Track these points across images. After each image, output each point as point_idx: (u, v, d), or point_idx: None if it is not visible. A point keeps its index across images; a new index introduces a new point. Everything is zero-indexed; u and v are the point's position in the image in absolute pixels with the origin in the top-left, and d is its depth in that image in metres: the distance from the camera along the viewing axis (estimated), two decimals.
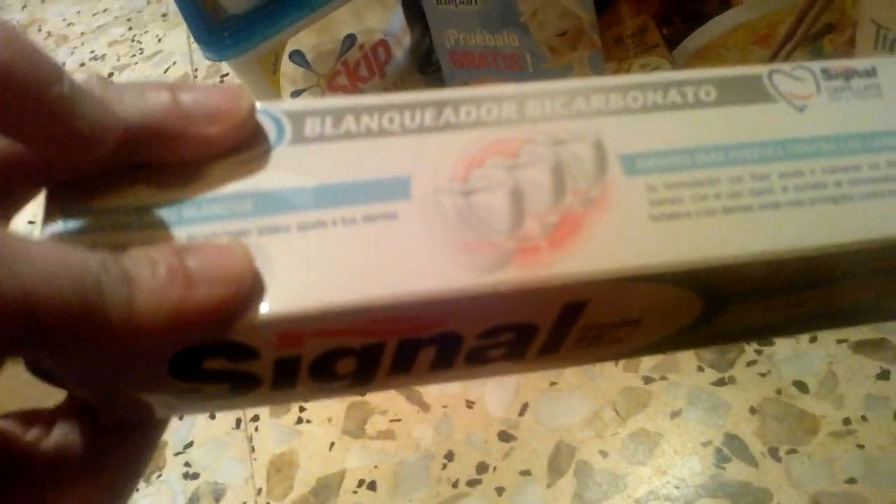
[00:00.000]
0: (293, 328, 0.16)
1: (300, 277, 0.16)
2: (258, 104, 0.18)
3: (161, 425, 0.20)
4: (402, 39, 0.68)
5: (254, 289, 0.16)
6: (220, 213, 0.17)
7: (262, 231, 0.17)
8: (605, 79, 0.19)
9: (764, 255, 0.18)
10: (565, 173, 0.18)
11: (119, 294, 0.14)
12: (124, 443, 0.19)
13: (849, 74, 0.20)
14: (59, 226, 0.16)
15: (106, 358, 0.16)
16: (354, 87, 0.68)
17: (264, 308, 0.16)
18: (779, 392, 0.46)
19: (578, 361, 0.21)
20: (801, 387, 0.46)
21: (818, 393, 0.46)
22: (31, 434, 0.17)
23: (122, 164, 0.17)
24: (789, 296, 0.20)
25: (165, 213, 0.17)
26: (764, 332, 0.23)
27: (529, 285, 0.17)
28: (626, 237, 0.17)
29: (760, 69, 0.20)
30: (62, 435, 0.17)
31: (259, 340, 0.16)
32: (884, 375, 0.45)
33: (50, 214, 0.16)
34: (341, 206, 0.17)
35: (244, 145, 0.18)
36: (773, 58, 0.56)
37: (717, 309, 0.19)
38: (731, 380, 0.47)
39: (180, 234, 0.17)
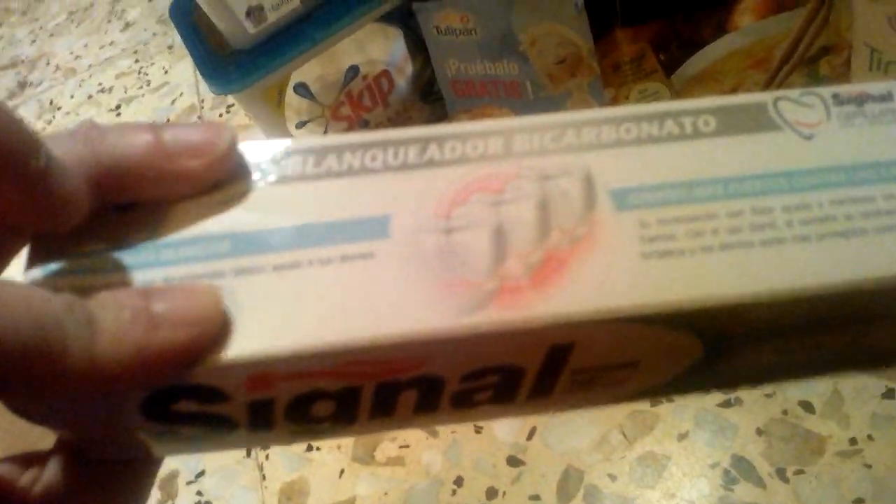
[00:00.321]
0: (261, 371, 0.16)
1: (270, 320, 0.16)
2: (241, 144, 0.18)
3: (157, 461, 0.20)
4: (404, 69, 0.69)
5: (220, 331, 0.16)
6: (197, 255, 0.17)
7: (237, 272, 0.17)
8: (598, 111, 0.18)
9: (764, 297, 0.16)
10: (551, 209, 0.17)
11: (81, 337, 0.14)
12: (119, 480, 0.19)
13: (862, 99, 0.19)
14: (39, 271, 0.16)
15: (74, 399, 0.16)
16: (358, 117, 0.69)
17: (229, 351, 0.16)
18: (785, 413, 0.46)
19: (574, 406, 0.20)
20: (807, 407, 0.46)
21: (824, 413, 0.46)
22: (26, 478, 0.17)
23: (105, 206, 0.17)
24: (804, 338, 0.18)
25: (144, 255, 0.17)
26: (782, 376, 0.21)
27: (510, 327, 0.16)
28: (615, 276, 0.16)
29: (765, 96, 0.19)
30: (53, 475, 0.17)
31: (227, 383, 0.16)
32: (889, 394, 0.45)
33: (32, 259, 0.17)
34: (318, 246, 0.17)
35: (225, 184, 0.18)
36: (770, 81, 0.57)
37: (721, 352, 0.18)
38: (738, 401, 0.48)
39: (157, 275, 0.17)
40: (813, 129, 0.18)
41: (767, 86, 0.58)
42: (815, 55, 0.58)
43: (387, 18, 0.64)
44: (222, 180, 0.18)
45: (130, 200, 0.17)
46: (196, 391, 0.16)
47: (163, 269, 0.17)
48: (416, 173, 0.18)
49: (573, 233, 0.17)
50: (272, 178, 0.18)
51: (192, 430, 0.18)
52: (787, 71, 0.57)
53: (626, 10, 0.53)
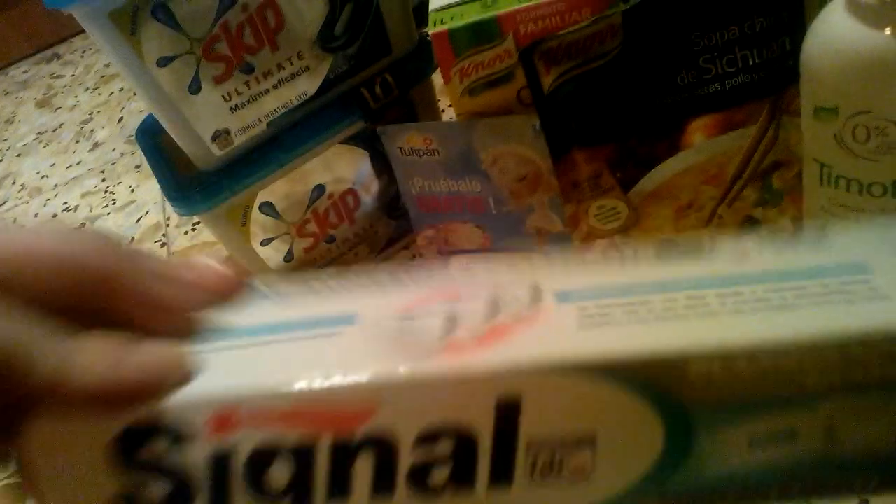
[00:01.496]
0: (224, 410, 0.18)
1: (238, 369, 0.18)
2: (250, 280, 0.21)
3: None
4: (370, 187, 0.70)
5: (183, 376, 0.18)
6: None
7: (212, 351, 0.19)
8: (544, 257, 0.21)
9: (698, 349, 0.17)
10: (501, 304, 0.19)
11: (55, 356, 0.17)
12: None
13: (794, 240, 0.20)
14: None
15: None
16: (324, 234, 0.69)
17: (193, 388, 0.18)
18: None
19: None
20: None
21: None
22: None
23: None
24: (767, 416, 0.18)
25: None
26: (767, 493, 0.19)
27: (454, 372, 0.18)
28: (554, 339, 0.18)
29: (701, 239, 0.21)
30: None
31: (192, 421, 0.18)
32: None
33: None
34: (293, 331, 0.19)
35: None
36: (724, 195, 0.59)
37: (684, 434, 0.18)
38: None
39: None
40: (747, 255, 0.20)
41: (722, 199, 0.60)
42: (767, 169, 0.60)
43: (352, 140, 0.65)
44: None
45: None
46: (161, 432, 0.18)
47: None
48: (385, 289, 0.21)
49: (518, 315, 0.19)
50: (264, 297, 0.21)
51: (153, 489, 0.19)
52: (741, 185, 0.59)
53: (583, 132, 0.55)
